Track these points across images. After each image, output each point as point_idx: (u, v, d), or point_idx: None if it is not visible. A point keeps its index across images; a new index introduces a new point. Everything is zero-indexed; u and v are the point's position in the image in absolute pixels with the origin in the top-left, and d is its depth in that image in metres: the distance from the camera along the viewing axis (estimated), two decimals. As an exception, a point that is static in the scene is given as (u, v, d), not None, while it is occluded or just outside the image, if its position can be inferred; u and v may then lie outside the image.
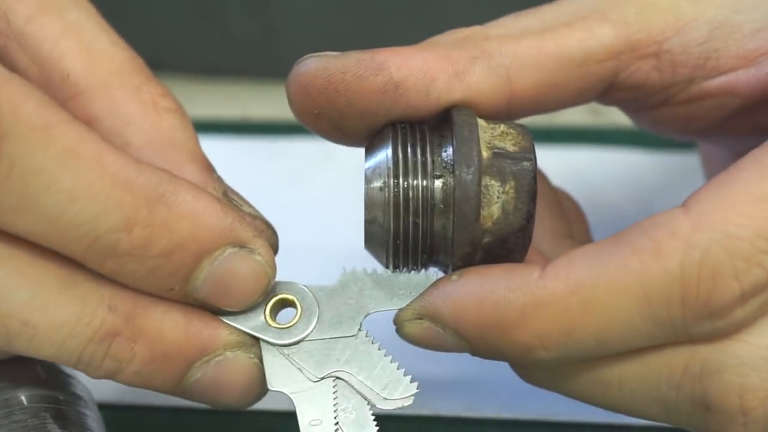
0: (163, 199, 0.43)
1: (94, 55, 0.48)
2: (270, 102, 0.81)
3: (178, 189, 0.43)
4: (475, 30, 0.48)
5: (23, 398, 0.47)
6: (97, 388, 0.50)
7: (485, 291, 0.44)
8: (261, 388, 0.47)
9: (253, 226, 0.46)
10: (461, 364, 0.53)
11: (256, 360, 0.46)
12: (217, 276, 0.44)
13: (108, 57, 0.48)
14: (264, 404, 0.56)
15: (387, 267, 0.47)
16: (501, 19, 0.49)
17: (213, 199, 0.44)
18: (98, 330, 0.44)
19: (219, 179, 0.48)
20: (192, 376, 0.45)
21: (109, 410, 0.53)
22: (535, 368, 0.47)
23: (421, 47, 0.46)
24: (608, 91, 0.49)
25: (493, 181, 0.45)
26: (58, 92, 0.47)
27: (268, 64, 0.81)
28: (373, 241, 0.46)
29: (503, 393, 0.58)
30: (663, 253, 0.42)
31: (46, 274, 0.43)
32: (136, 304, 0.44)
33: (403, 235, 0.45)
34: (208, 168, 0.48)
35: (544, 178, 0.54)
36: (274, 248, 0.48)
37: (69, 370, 0.49)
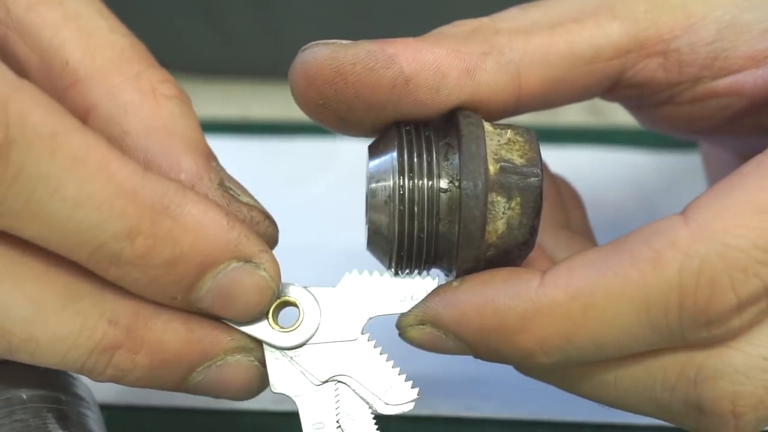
0: (168, 210, 0.43)
1: (94, 42, 0.47)
2: (271, 102, 0.81)
3: (184, 201, 0.43)
4: (484, 22, 0.47)
5: (25, 398, 0.47)
6: (98, 389, 0.50)
7: (486, 298, 0.44)
8: (261, 385, 0.47)
9: (258, 238, 0.45)
10: (461, 363, 0.53)
11: (256, 363, 0.46)
12: (220, 289, 0.44)
13: (107, 44, 0.48)
14: (264, 404, 0.56)
15: (389, 269, 0.47)
16: (509, 11, 0.48)
17: (220, 213, 0.44)
18: (99, 343, 0.44)
19: (217, 168, 0.47)
20: (194, 379, 0.46)
21: (109, 411, 0.53)
22: (535, 370, 0.47)
23: (431, 40, 0.46)
24: (613, 88, 0.49)
25: (499, 197, 0.44)
26: (58, 81, 0.47)
27: (268, 64, 0.81)
28: (376, 247, 0.46)
29: (503, 393, 0.59)
30: (662, 263, 0.43)
31: (48, 290, 0.43)
32: (138, 316, 0.44)
33: (407, 246, 0.45)
34: (207, 156, 0.47)
35: (545, 167, 0.53)
36: (273, 240, 0.48)
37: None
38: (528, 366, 0.46)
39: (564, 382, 0.47)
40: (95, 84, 0.47)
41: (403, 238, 0.45)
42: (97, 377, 0.45)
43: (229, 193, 0.47)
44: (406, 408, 0.46)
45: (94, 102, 0.47)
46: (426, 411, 0.58)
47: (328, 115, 0.46)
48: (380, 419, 0.46)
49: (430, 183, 0.45)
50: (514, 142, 0.46)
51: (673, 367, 0.45)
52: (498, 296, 0.44)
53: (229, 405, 0.58)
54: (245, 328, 0.46)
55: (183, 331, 0.45)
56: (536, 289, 0.44)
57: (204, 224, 0.43)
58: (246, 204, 0.47)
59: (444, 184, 0.45)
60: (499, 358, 0.45)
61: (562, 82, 0.47)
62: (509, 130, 0.46)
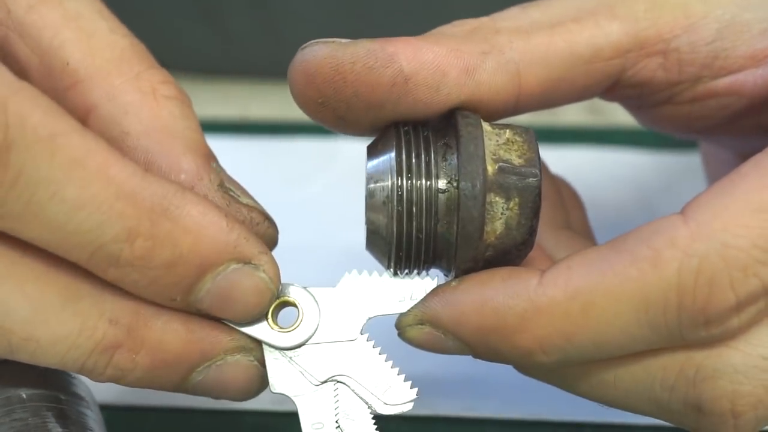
0: (167, 212, 0.43)
1: (94, 43, 0.47)
2: (270, 102, 0.81)
3: (183, 203, 0.43)
4: (484, 22, 0.47)
5: (25, 397, 0.47)
6: (98, 389, 0.50)
7: (485, 298, 0.44)
8: (261, 385, 0.47)
9: (258, 240, 0.45)
10: (460, 364, 0.53)
11: (255, 363, 0.46)
12: (219, 290, 0.44)
13: (108, 44, 0.48)
14: (264, 404, 0.56)
15: (388, 269, 0.47)
16: (509, 10, 0.48)
17: (219, 214, 0.44)
18: (100, 342, 0.44)
19: (217, 169, 0.48)
20: (194, 379, 0.46)
21: (109, 411, 0.53)
22: (534, 369, 0.47)
23: (431, 39, 0.46)
24: (613, 88, 0.49)
25: (497, 198, 0.45)
26: (58, 81, 0.47)
27: (268, 64, 0.81)
28: (375, 248, 0.46)
29: (503, 393, 0.58)
30: (661, 262, 0.43)
31: (48, 290, 0.43)
32: (138, 316, 0.45)
33: (406, 246, 0.45)
34: (207, 157, 0.47)
35: (544, 167, 0.54)
36: (273, 241, 0.48)
37: (70, 371, 0.49)
38: (527, 365, 0.46)
39: (563, 381, 0.47)
40: (95, 85, 0.47)
41: (401, 238, 0.45)
42: (97, 377, 0.45)
43: (229, 194, 0.47)
44: (405, 408, 0.46)
45: (95, 102, 0.47)
46: (425, 411, 0.58)
47: (327, 114, 0.46)
48: (379, 419, 0.46)
49: (429, 183, 0.45)
50: (512, 142, 0.46)
51: (673, 366, 0.45)
52: (497, 296, 0.44)
53: (229, 405, 0.58)
54: (245, 329, 0.46)
55: (183, 332, 0.45)
56: (535, 289, 0.44)
57: (203, 226, 0.43)
58: (246, 205, 0.47)
59: (442, 184, 0.45)
60: (498, 358, 0.45)
61: (562, 81, 0.47)
62: (508, 130, 0.46)
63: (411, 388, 0.46)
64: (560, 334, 0.43)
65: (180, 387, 0.46)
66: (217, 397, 0.47)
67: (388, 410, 0.46)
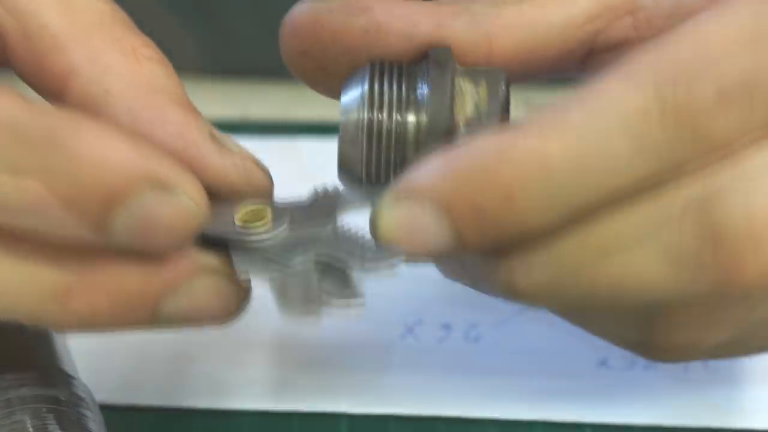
0: (58, 141, 0.40)
1: (74, 7, 0.47)
2: (270, 102, 0.81)
3: (76, 129, 0.41)
4: None
5: (25, 398, 0.47)
6: (98, 389, 0.50)
7: (459, 153, 0.43)
8: (239, 303, 0.44)
9: (175, 161, 0.43)
10: (461, 364, 0.53)
11: (226, 280, 0.44)
12: (136, 222, 0.41)
13: (88, 9, 0.47)
14: (264, 404, 0.56)
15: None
16: None
17: (123, 138, 0.41)
18: (49, 290, 0.42)
19: (205, 121, 0.46)
20: (164, 313, 0.43)
21: (109, 410, 0.53)
22: (525, 259, 0.44)
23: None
24: (589, 56, 0.50)
25: (466, 82, 0.46)
26: (37, 44, 0.46)
27: (268, 64, 0.81)
28: (346, 173, 0.47)
29: (503, 393, 0.58)
30: (637, 74, 0.42)
31: None
32: (84, 258, 0.42)
33: (375, 165, 0.46)
34: (193, 110, 0.46)
35: None
36: (268, 193, 0.46)
37: (71, 371, 0.49)
38: (515, 233, 0.43)
39: (562, 274, 0.44)
40: (76, 47, 0.46)
41: (371, 158, 0.46)
42: (62, 328, 0.44)
43: (219, 142, 0.45)
44: (389, 266, 0.43)
45: (75, 64, 0.46)
46: (426, 411, 0.58)
47: (309, 64, 0.47)
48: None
49: (399, 105, 0.46)
50: (480, 68, 0.47)
51: (675, 200, 0.42)
52: (471, 146, 0.43)
53: (229, 405, 0.58)
54: (209, 232, 0.43)
55: (136, 267, 0.43)
56: (510, 132, 0.42)
57: (103, 154, 0.41)
58: (239, 154, 0.46)
59: (413, 104, 0.46)
60: (481, 228, 0.43)
61: (536, 48, 0.48)
62: (478, 67, 0.47)
63: (395, 253, 0.43)
64: (540, 168, 0.42)
65: (153, 323, 0.44)
66: (198, 326, 0.45)
67: (370, 272, 0.43)
